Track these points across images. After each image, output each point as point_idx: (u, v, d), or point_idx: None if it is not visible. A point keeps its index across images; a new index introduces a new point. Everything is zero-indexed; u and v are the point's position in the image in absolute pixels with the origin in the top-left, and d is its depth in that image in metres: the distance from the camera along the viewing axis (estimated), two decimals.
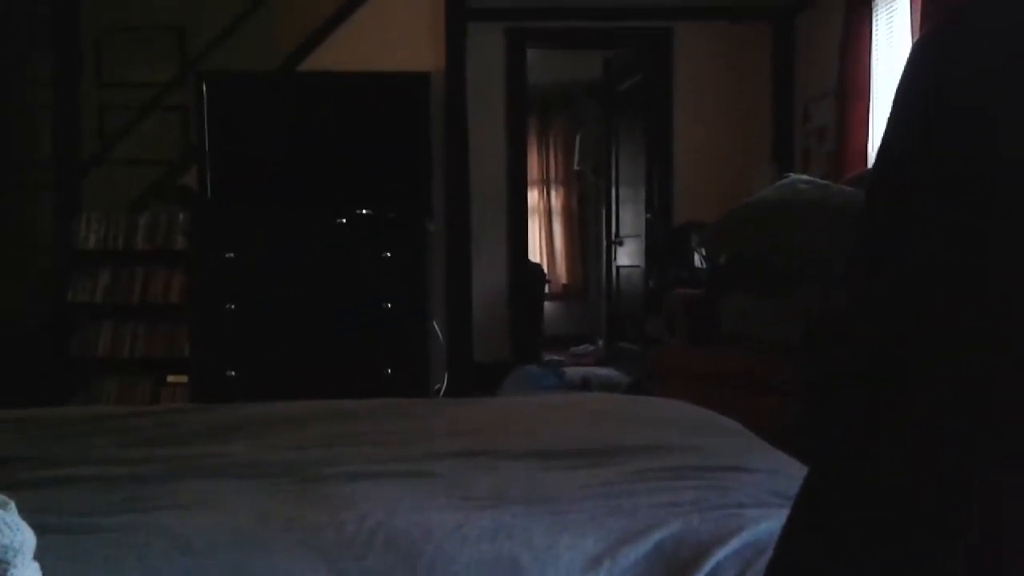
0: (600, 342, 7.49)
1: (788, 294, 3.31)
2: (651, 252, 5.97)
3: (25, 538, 0.84)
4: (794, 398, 2.77)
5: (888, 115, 0.57)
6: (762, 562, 0.97)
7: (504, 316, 5.83)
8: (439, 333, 4.67)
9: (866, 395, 0.50)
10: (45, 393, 4.32)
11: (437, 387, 4.60)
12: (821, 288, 2.97)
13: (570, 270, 8.89)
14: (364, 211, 4.25)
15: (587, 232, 8.61)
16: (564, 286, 8.84)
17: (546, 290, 7.83)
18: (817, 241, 3.11)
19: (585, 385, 5.39)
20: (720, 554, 0.97)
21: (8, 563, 0.80)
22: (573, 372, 5.90)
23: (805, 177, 3.81)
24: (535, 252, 8.33)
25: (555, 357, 7.03)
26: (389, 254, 4.24)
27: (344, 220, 4.22)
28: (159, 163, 4.87)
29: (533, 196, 8.35)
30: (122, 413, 1.94)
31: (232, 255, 4.13)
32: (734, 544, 1.00)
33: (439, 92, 4.54)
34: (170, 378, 4.53)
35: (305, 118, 4.42)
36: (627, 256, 6.57)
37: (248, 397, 2.59)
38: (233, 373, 4.11)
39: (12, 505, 0.87)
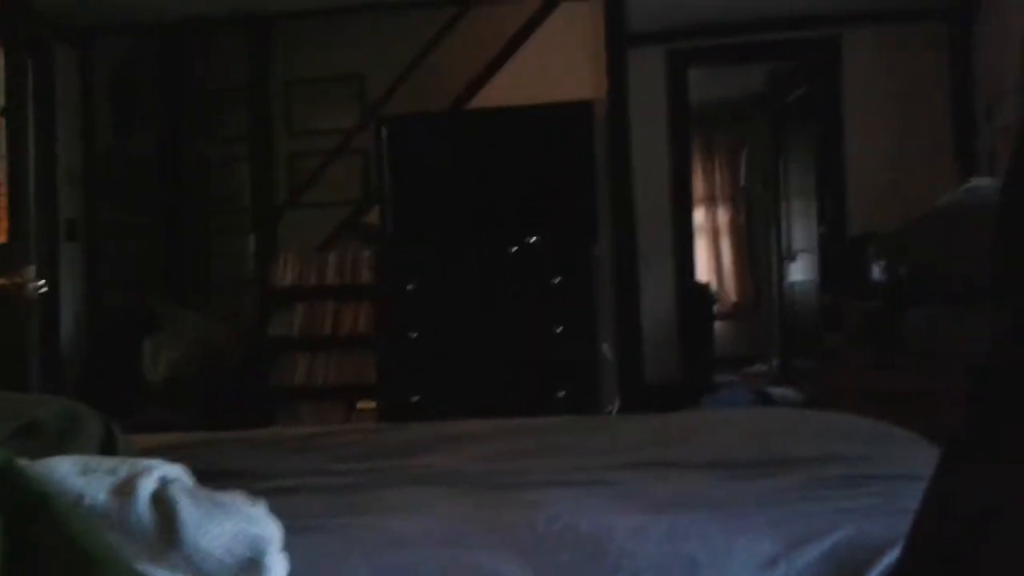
0: (774, 361, 7.33)
1: (975, 306, 3.17)
2: (825, 265, 5.81)
3: (275, 530, 1.00)
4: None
5: None
6: None
7: (673, 337, 5.83)
8: (609, 355, 4.75)
9: None
10: (249, 420, 4.71)
11: (609, 409, 4.68)
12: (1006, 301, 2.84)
13: (740, 288, 8.75)
14: (533, 239, 4.41)
15: (756, 248, 8.45)
16: (734, 304, 8.71)
17: (715, 309, 7.74)
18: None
19: (765, 401, 5.31)
20: (892, 555, 1.01)
21: (264, 551, 0.96)
22: (747, 392, 5.82)
23: (988, 181, 3.65)
24: (703, 271, 8.26)
25: (729, 378, 6.94)
26: (558, 280, 4.38)
27: (515, 249, 4.40)
28: (345, 204, 5.25)
29: (699, 214, 8.29)
30: (325, 432, 2.14)
31: (413, 286, 4.39)
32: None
33: (602, 118, 4.66)
34: (360, 404, 4.84)
35: (476, 153, 4.64)
36: (799, 271, 6.42)
37: (431, 420, 2.76)
38: (417, 398, 4.35)
39: (263, 502, 1.04)
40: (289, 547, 1.05)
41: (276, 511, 1.26)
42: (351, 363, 4.95)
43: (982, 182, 3.78)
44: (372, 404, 4.77)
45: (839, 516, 1.14)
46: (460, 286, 4.42)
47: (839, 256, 5.50)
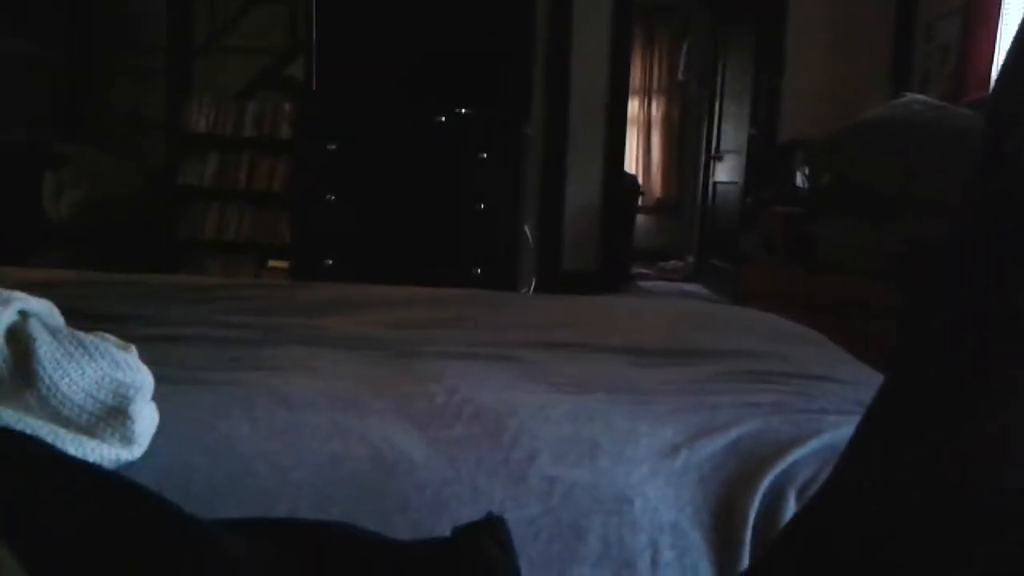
0: (690, 258, 7.42)
1: (892, 219, 3.20)
2: (752, 168, 5.82)
3: (144, 378, 0.91)
4: (890, 326, 2.72)
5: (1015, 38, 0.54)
6: None
7: (595, 226, 5.81)
8: (530, 237, 4.70)
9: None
10: (152, 270, 4.54)
11: (524, 290, 4.66)
12: (929, 215, 2.87)
13: (665, 184, 8.76)
14: (463, 110, 4.25)
15: (686, 146, 8.43)
16: (658, 199, 8.73)
17: (639, 203, 7.74)
18: (929, 166, 2.99)
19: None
20: (798, 453, 0.99)
21: (130, 399, 0.88)
22: (660, 287, 5.88)
23: (921, 97, 3.64)
24: (631, 163, 8.21)
25: (643, 271, 7.01)
26: (485, 155, 4.26)
27: (443, 118, 4.24)
28: (267, 52, 4.95)
29: (633, 106, 8.18)
30: (227, 284, 2.04)
31: (334, 147, 4.21)
32: (812, 444, 1.01)
33: None
34: (271, 262, 4.70)
35: (411, 13, 4.40)
36: (725, 172, 6.43)
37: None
38: (331, 262, 4.24)
39: (133, 348, 0.95)
40: (163, 398, 0.97)
41: (157, 360, 1.17)
42: (264, 220, 4.78)
43: (912, 98, 3.76)
44: (284, 264, 4.64)
45: (745, 410, 1.11)
46: (383, 151, 4.26)
47: (766, 160, 5.50)
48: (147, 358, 1.04)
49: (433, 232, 4.28)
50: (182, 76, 4.94)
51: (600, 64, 5.64)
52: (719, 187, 6.58)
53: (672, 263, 7.66)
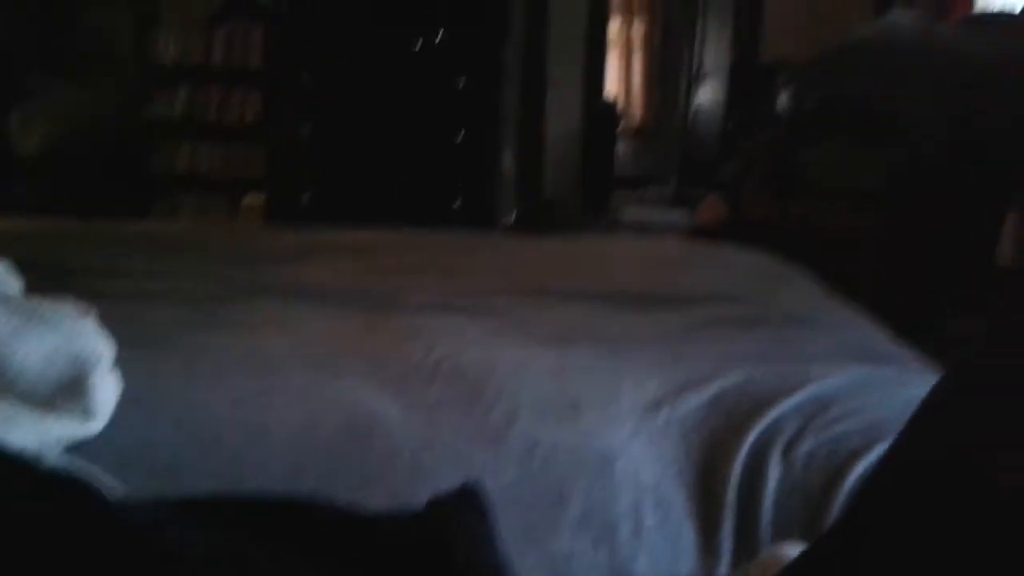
0: (673, 184, 7.36)
1: (878, 143, 3.16)
2: (734, 91, 5.73)
3: (105, 347, 0.88)
4: (873, 251, 2.70)
5: None
6: (825, 417, 0.96)
7: (576, 153, 5.72)
8: (510, 167, 4.62)
9: None
10: (124, 207, 4.44)
11: (505, 221, 4.60)
12: (916, 137, 2.83)
13: (647, 108, 8.62)
14: (440, 34, 4.13)
15: (668, 69, 8.27)
16: (639, 124, 8.61)
17: (620, 127, 7.64)
18: (915, 87, 2.93)
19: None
20: (782, 407, 0.97)
21: (88, 370, 0.84)
22: (639, 214, 5.84)
23: (908, 16, 3.56)
24: (612, 86, 8.07)
25: (626, 197, 6.96)
26: (463, 82, 4.15)
27: (419, 46, 4.12)
28: None
29: (614, 26, 7.99)
30: (197, 230, 1.98)
31: (308, 77, 4.09)
32: (797, 398, 0.99)
33: None
34: (247, 199, 4.61)
35: None
36: (707, 94, 6.32)
37: (321, 221, 2.62)
38: (308, 196, 4.16)
39: (93, 314, 0.91)
40: (127, 364, 0.93)
41: (121, 320, 1.13)
42: (238, 155, 4.66)
43: (899, 17, 3.68)
44: (260, 199, 4.55)
45: (728, 362, 1.09)
46: (359, 81, 4.14)
47: (748, 82, 5.41)
48: (110, 317, 1.00)
49: (412, 164, 4.20)
50: (148, 3, 4.76)
51: None
52: (701, 110, 6.49)
53: (654, 189, 7.61)
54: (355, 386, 0.98)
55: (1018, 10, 3.45)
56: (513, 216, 4.61)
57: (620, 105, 7.98)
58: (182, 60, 4.61)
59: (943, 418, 0.53)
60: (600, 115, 5.80)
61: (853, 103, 3.24)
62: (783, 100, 4.81)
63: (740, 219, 3.74)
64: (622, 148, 7.92)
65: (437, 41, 4.11)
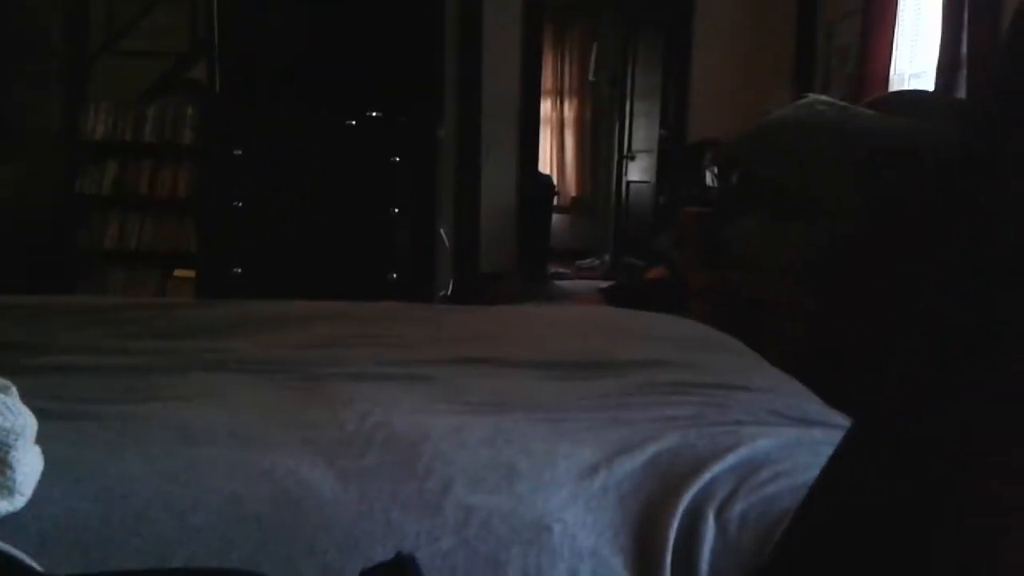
0: (607, 256, 7.48)
1: (798, 218, 3.27)
2: (663, 168, 5.89)
3: (26, 421, 0.85)
4: (798, 322, 2.77)
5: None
6: (756, 478, 0.98)
7: (511, 226, 5.79)
8: (446, 240, 4.65)
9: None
10: (51, 283, 4.33)
11: (442, 294, 4.61)
12: (833, 213, 2.94)
13: (580, 183, 8.81)
14: (374, 114, 4.18)
15: (599, 145, 8.49)
16: (573, 199, 8.77)
17: (555, 202, 7.77)
18: (832, 165, 3.05)
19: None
20: (716, 469, 0.98)
21: (9, 446, 0.81)
22: (577, 286, 5.92)
23: (824, 98, 3.73)
24: (545, 163, 8.23)
25: (560, 270, 7.04)
26: (398, 159, 4.20)
27: (354, 122, 4.16)
28: (168, 55, 4.78)
29: (546, 106, 8.20)
30: (125, 305, 1.94)
31: (240, 152, 4.08)
32: (730, 460, 1.00)
33: None
34: (177, 272, 4.54)
35: (318, 15, 4.31)
36: (638, 172, 6.50)
37: (254, 294, 2.59)
38: (239, 270, 4.12)
39: (13, 389, 0.88)
40: (51, 438, 0.90)
41: (46, 393, 1.10)
42: (168, 228, 4.61)
43: (815, 98, 3.85)
44: (191, 273, 4.48)
45: (663, 425, 1.10)
46: (292, 156, 4.15)
47: (677, 160, 5.58)
48: (34, 392, 0.97)
49: (346, 238, 4.20)
50: (78, 81, 4.73)
51: (512, 65, 5.62)
52: (632, 186, 6.65)
53: (589, 261, 7.72)
54: (287, 457, 0.96)
55: (931, 88, 3.65)
56: (450, 288, 4.63)
57: (555, 180, 8.15)
58: (112, 135, 4.58)
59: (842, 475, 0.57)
60: (536, 189, 5.90)
61: (771, 181, 3.36)
62: (710, 176, 4.98)
63: (681, 283, 3.82)
64: (558, 221, 8.04)
65: (371, 119, 4.16)
